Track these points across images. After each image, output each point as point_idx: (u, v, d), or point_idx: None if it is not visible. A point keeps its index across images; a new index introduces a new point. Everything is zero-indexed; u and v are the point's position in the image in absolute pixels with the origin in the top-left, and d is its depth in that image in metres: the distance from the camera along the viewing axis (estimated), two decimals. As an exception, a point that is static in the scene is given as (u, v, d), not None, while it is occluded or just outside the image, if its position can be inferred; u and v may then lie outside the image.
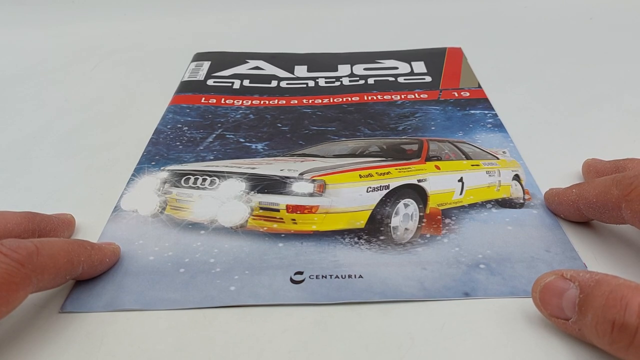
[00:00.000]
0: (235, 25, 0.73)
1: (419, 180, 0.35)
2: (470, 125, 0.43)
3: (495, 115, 0.44)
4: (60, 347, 0.25)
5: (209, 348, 0.24)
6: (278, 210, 0.32)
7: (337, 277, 0.28)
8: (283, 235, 0.31)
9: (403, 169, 0.35)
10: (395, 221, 0.32)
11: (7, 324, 0.26)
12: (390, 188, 0.33)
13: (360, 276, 0.28)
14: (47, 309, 0.27)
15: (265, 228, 0.32)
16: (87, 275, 0.28)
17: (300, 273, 0.28)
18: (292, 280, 0.28)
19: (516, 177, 0.36)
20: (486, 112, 0.45)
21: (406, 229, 0.32)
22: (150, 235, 0.32)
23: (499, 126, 0.43)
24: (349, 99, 0.49)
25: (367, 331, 0.25)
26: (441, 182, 0.35)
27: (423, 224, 0.32)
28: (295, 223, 0.32)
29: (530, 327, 0.25)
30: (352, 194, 0.33)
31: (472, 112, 0.45)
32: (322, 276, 0.28)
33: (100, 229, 0.32)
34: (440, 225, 0.32)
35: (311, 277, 0.28)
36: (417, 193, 0.34)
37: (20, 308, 0.26)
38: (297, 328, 0.25)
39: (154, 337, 0.25)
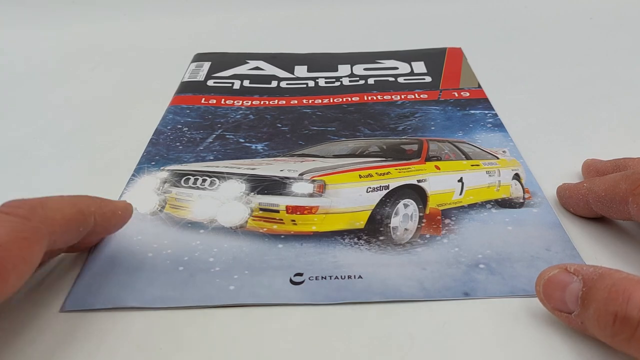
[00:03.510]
0: (235, 25, 0.73)
1: (418, 181, 0.35)
2: (470, 125, 0.43)
3: (495, 115, 0.44)
4: (60, 347, 0.24)
5: (209, 347, 0.24)
6: (278, 212, 0.32)
7: (336, 277, 0.28)
8: (283, 236, 0.31)
9: (403, 169, 0.35)
10: (395, 221, 0.32)
11: (6, 324, 0.26)
12: (390, 188, 0.33)
13: (360, 277, 0.28)
14: (47, 308, 0.27)
15: (265, 229, 0.32)
16: (101, 229, 0.27)
17: (300, 275, 0.28)
18: (291, 282, 0.28)
19: (516, 177, 0.36)
20: (486, 112, 0.45)
21: (406, 229, 0.32)
22: (149, 232, 0.32)
23: (499, 126, 0.42)
24: (349, 99, 0.49)
25: (367, 331, 0.25)
26: (441, 182, 0.35)
27: (423, 224, 0.32)
28: (295, 224, 0.32)
29: (531, 326, 0.25)
30: (352, 194, 0.33)
31: (472, 112, 0.45)
32: (322, 277, 0.28)
33: (100, 229, 0.32)
34: (440, 226, 0.32)
35: (311, 278, 0.28)
36: (417, 193, 0.34)
37: (20, 307, 0.26)
38: (297, 328, 0.25)
39: (154, 336, 0.25)
